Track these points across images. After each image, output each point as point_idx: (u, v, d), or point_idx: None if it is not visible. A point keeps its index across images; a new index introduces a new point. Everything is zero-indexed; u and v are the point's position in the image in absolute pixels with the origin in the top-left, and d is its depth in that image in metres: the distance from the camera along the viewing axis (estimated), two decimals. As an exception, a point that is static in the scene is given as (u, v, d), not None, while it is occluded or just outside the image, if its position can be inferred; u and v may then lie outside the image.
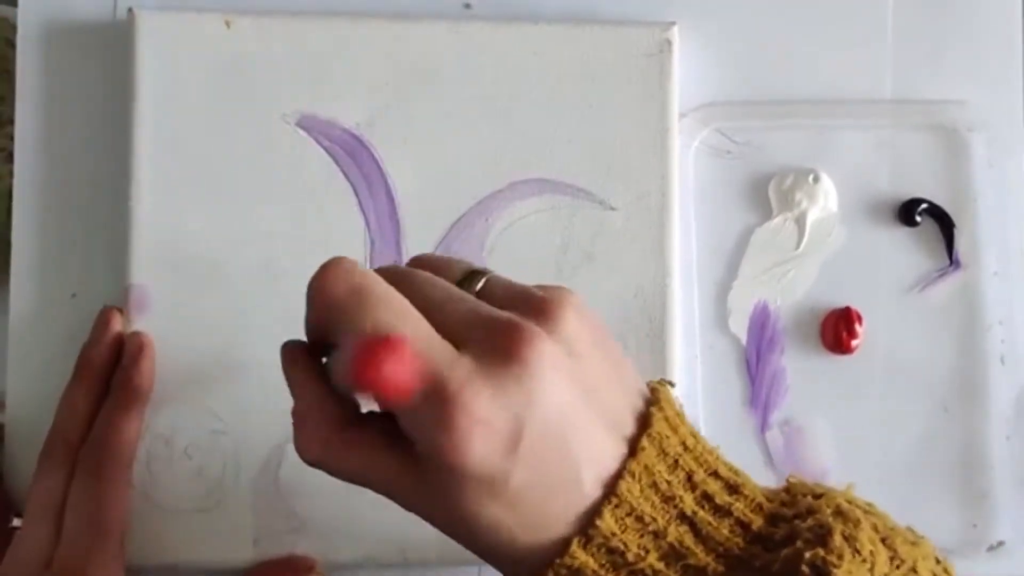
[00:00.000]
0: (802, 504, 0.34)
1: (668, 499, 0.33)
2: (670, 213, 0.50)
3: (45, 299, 0.50)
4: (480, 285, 0.35)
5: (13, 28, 0.51)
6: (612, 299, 0.50)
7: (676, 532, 0.33)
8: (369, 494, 0.35)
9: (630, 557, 0.33)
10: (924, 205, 0.52)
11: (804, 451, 0.52)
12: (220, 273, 0.49)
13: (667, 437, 0.34)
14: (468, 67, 0.50)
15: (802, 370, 0.52)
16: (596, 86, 0.51)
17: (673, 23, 0.51)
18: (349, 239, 0.50)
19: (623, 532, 0.33)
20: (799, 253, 0.52)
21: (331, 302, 0.32)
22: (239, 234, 0.49)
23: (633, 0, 0.52)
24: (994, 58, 0.54)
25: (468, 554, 0.34)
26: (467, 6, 0.52)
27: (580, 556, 0.32)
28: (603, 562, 0.33)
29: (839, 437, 0.52)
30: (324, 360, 0.36)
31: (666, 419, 0.34)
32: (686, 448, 0.34)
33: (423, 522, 0.35)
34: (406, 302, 0.32)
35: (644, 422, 0.34)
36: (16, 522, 0.47)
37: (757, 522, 0.34)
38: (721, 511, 0.34)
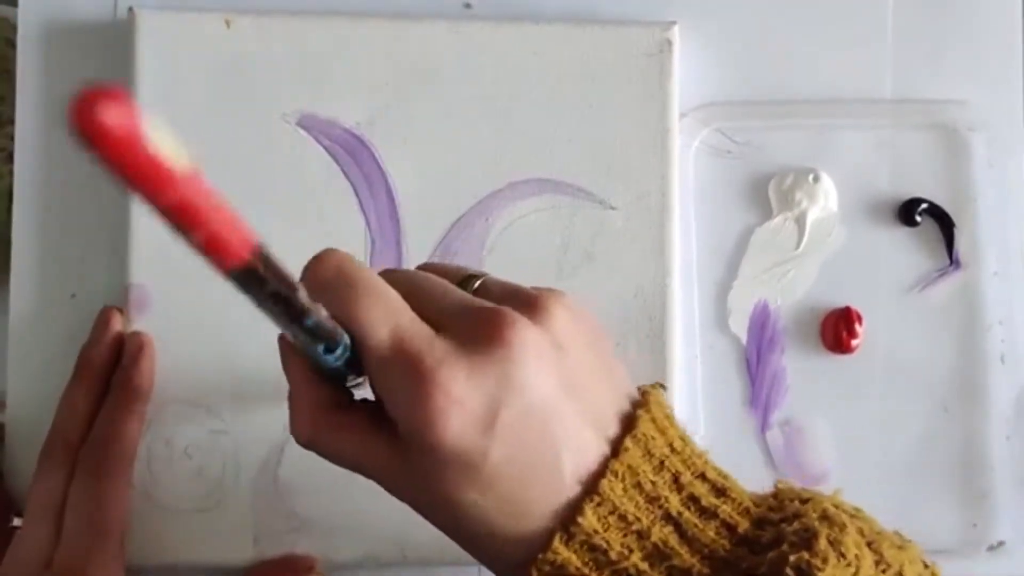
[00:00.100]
0: (789, 508, 0.35)
1: (653, 499, 0.34)
2: (670, 213, 0.50)
3: (45, 299, 0.50)
4: (476, 285, 0.37)
5: (13, 28, 0.51)
6: (612, 299, 0.50)
7: (661, 533, 0.33)
8: (368, 492, 0.36)
9: (613, 556, 0.33)
10: (924, 205, 0.52)
11: (804, 451, 0.52)
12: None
13: (653, 439, 0.34)
14: (468, 67, 0.50)
15: (802, 370, 0.52)
16: (596, 86, 0.51)
17: (673, 23, 0.51)
18: (350, 239, 0.50)
19: (606, 531, 0.33)
20: (799, 253, 0.52)
21: (319, 285, 0.33)
22: (239, 234, 0.49)
23: (633, 0, 0.52)
24: (994, 58, 0.54)
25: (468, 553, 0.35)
26: (467, 6, 0.52)
27: (563, 552, 0.33)
28: (586, 560, 0.33)
29: (839, 437, 0.52)
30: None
31: (653, 421, 0.35)
32: (673, 450, 0.35)
33: (423, 521, 0.35)
34: (391, 289, 0.33)
35: (630, 424, 0.34)
36: (16, 522, 0.46)
37: (743, 525, 0.34)
38: (707, 513, 0.34)
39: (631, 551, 0.33)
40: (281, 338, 0.36)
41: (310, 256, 0.49)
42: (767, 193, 0.52)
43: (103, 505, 0.45)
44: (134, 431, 0.47)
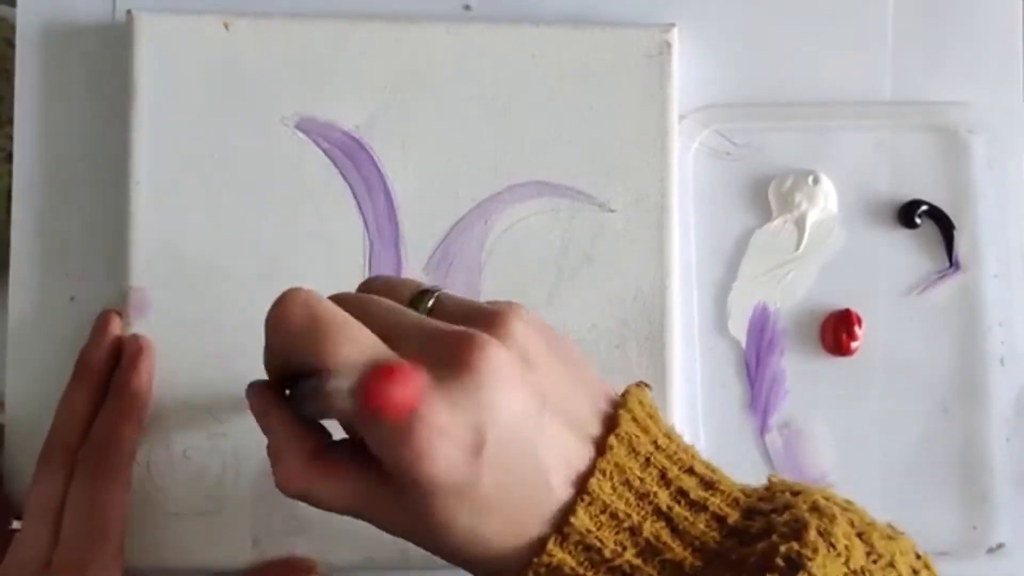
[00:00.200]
0: (779, 500, 0.35)
1: (642, 496, 0.34)
2: (670, 215, 0.50)
3: (44, 301, 0.50)
4: (431, 303, 0.36)
5: (13, 28, 0.51)
6: (611, 301, 0.50)
7: (652, 528, 0.34)
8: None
9: (607, 554, 0.33)
10: (924, 207, 0.52)
11: (804, 453, 0.52)
12: (219, 276, 0.49)
13: (636, 436, 0.35)
14: (468, 69, 0.50)
15: (802, 372, 0.52)
16: (596, 88, 0.50)
17: (673, 25, 0.51)
18: (348, 241, 0.50)
19: (599, 529, 0.33)
20: (799, 255, 0.52)
21: (290, 332, 0.33)
22: (238, 237, 0.49)
23: (633, 2, 0.52)
24: (994, 59, 0.54)
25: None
26: (467, 8, 0.52)
27: (557, 554, 0.33)
28: (581, 559, 0.33)
29: (839, 439, 0.52)
30: (287, 392, 0.37)
31: (635, 420, 0.35)
32: (658, 447, 0.35)
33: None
34: (358, 324, 0.33)
35: (611, 423, 0.35)
36: (16, 524, 0.47)
37: (733, 516, 0.34)
38: (697, 506, 0.34)
39: (624, 548, 0.33)
40: (250, 387, 0.36)
41: (309, 258, 0.49)
42: (767, 195, 0.52)
43: (102, 507, 0.45)
44: (133, 434, 0.47)
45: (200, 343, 0.49)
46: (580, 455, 0.34)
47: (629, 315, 0.50)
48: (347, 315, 0.33)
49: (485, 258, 0.50)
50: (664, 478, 0.34)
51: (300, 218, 0.50)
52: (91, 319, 0.49)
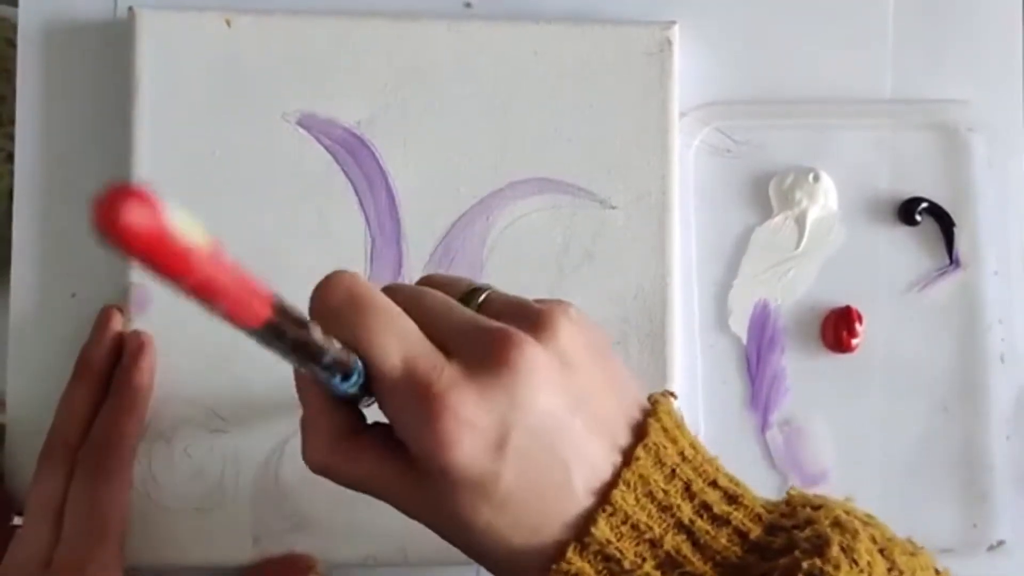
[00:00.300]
0: (801, 515, 0.35)
1: (665, 508, 0.34)
2: (670, 212, 0.50)
3: (45, 299, 0.50)
4: (481, 300, 0.37)
5: (13, 28, 0.51)
6: (612, 299, 0.50)
7: (673, 541, 0.34)
8: (369, 493, 0.36)
9: (626, 565, 0.33)
10: (924, 204, 0.52)
11: (804, 451, 0.52)
12: (220, 272, 0.49)
13: (664, 448, 0.34)
14: (468, 66, 0.50)
15: (802, 370, 0.52)
16: (596, 85, 0.51)
17: (673, 22, 0.51)
18: (350, 238, 0.50)
19: (619, 540, 0.33)
20: (799, 252, 0.52)
21: (328, 310, 0.33)
22: (240, 233, 0.49)
23: (633, 0, 0.52)
24: (994, 58, 0.54)
25: (469, 554, 0.35)
26: (467, 5, 0.52)
27: (576, 562, 0.33)
28: (599, 569, 0.33)
29: (839, 437, 0.52)
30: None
31: (664, 430, 0.35)
32: (684, 459, 0.35)
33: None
34: (399, 310, 0.34)
35: (640, 433, 0.35)
36: (16, 522, 0.46)
37: (755, 531, 0.34)
38: (719, 520, 0.34)
39: (644, 560, 0.33)
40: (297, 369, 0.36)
41: (310, 255, 0.49)
42: (767, 192, 0.52)
43: (103, 505, 0.45)
44: (134, 431, 0.47)
45: (201, 340, 0.48)
46: (606, 463, 0.34)
47: (630, 312, 0.50)
48: (386, 298, 0.34)
49: (486, 255, 0.50)
50: (688, 491, 0.34)
51: (301, 215, 0.50)
52: (92, 316, 0.49)
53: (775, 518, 0.35)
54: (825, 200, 0.52)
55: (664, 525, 0.34)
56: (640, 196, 0.50)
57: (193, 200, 0.49)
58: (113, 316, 0.48)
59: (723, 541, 0.34)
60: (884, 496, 0.52)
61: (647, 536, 0.34)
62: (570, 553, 0.33)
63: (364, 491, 0.35)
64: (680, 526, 0.34)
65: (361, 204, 0.50)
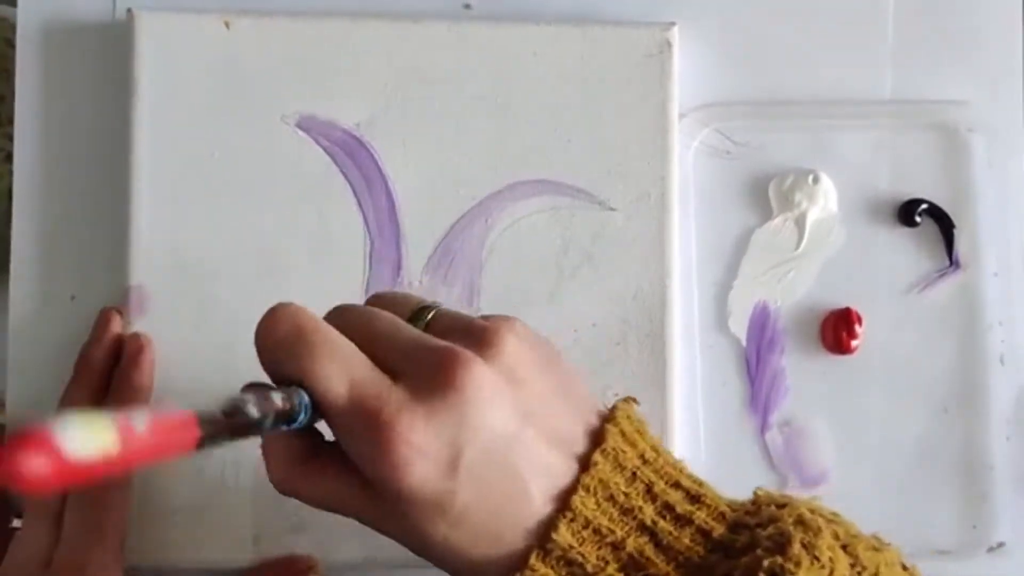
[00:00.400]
0: (765, 513, 0.35)
1: (627, 511, 0.34)
2: (670, 213, 0.50)
3: (45, 300, 0.50)
4: (429, 318, 0.37)
5: (13, 28, 0.51)
6: (612, 300, 0.50)
7: (636, 543, 0.34)
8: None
9: (589, 568, 0.34)
10: (924, 205, 0.52)
11: (804, 452, 0.52)
12: (220, 274, 0.49)
13: (623, 451, 0.35)
14: (468, 67, 0.50)
15: (802, 371, 0.52)
16: (596, 86, 0.51)
17: (673, 23, 0.51)
18: (349, 239, 0.50)
19: (581, 544, 0.34)
20: (799, 253, 0.52)
21: (273, 343, 0.34)
22: (239, 235, 0.49)
23: (633, 0, 0.52)
24: (994, 58, 0.54)
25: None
26: (467, 6, 0.52)
27: (540, 569, 0.34)
28: (563, 574, 0.34)
29: (839, 438, 0.52)
30: None
31: (622, 434, 0.35)
32: (645, 461, 0.35)
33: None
34: (343, 339, 0.34)
35: (599, 439, 0.35)
36: (16, 522, 0.47)
37: (718, 530, 0.35)
38: (682, 520, 0.35)
39: (607, 563, 0.34)
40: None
41: (309, 257, 0.49)
42: (767, 194, 0.52)
43: (102, 505, 0.45)
44: (134, 432, 0.47)
45: (200, 341, 0.49)
46: (565, 470, 0.34)
47: (630, 313, 0.50)
48: (329, 327, 0.34)
49: (486, 256, 0.50)
50: (650, 492, 0.35)
51: (301, 216, 0.50)
52: (92, 317, 0.49)
53: (739, 516, 0.35)
54: (825, 201, 0.52)
55: (626, 528, 0.34)
56: (640, 197, 0.50)
57: (193, 201, 0.49)
58: (112, 318, 0.48)
59: (686, 541, 0.34)
60: (884, 497, 0.52)
61: (609, 539, 0.34)
62: (533, 560, 0.33)
63: (327, 509, 0.36)
64: (642, 528, 0.34)
65: (360, 205, 0.50)
